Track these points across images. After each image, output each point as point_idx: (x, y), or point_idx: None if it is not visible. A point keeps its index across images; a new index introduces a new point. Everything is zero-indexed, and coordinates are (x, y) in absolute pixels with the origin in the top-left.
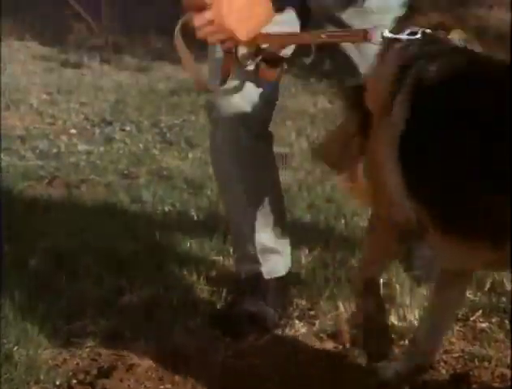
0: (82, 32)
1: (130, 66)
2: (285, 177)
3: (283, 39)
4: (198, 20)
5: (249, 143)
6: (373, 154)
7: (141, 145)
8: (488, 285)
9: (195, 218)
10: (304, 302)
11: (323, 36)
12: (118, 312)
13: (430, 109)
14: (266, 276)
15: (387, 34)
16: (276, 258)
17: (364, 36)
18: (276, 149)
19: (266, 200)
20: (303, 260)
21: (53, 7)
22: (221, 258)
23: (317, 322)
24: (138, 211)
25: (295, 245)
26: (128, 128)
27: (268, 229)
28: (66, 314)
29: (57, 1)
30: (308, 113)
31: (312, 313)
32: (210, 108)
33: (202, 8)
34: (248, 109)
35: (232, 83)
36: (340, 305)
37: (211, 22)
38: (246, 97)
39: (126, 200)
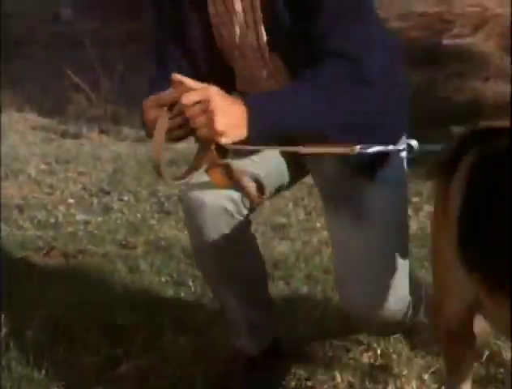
0: (81, 103)
1: (129, 137)
2: (282, 247)
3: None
4: (187, 98)
5: (229, 233)
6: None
7: (139, 215)
8: (485, 356)
9: (192, 288)
10: (302, 372)
11: (307, 149)
12: (115, 382)
13: (486, 185)
14: (255, 350)
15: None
16: (263, 331)
17: (350, 149)
18: (274, 219)
19: (249, 280)
20: (300, 330)
21: (52, 79)
22: (218, 328)
23: None
24: (136, 280)
25: (292, 316)
26: (126, 198)
27: (253, 306)
28: (64, 384)
29: (56, 73)
30: (305, 183)
31: (309, 383)
32: (184, 200)
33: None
34: (225, 203)
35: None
36: (337, 375)
37: (197, 103)
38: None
39: (124, 270)
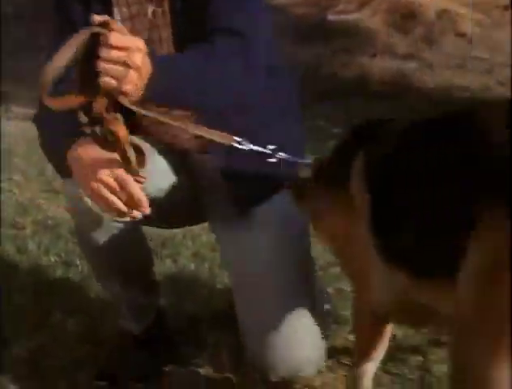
0: None
1: (17, 115)
2: None
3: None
4: (117, 39)
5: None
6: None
7: (28, 194)
8: None
9: (80, 268)
10: (188, 349)
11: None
12: (6, 364)
13: (386, 173)
14: (138, 329)
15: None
16: (146, 311)
17: (230, 140)
18: None
19: (132, 268)
20: (187, 308)
21: None
22: (106, 307)
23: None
24: (24, 261)
25: (179, 293)
26: (16, 177)
27: (135, 290)
28: None
29: None
30: None
31: (195, 360)
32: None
33: None
34: None
35: None
36: (224, 352)
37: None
38: None
39: (12, 250)
